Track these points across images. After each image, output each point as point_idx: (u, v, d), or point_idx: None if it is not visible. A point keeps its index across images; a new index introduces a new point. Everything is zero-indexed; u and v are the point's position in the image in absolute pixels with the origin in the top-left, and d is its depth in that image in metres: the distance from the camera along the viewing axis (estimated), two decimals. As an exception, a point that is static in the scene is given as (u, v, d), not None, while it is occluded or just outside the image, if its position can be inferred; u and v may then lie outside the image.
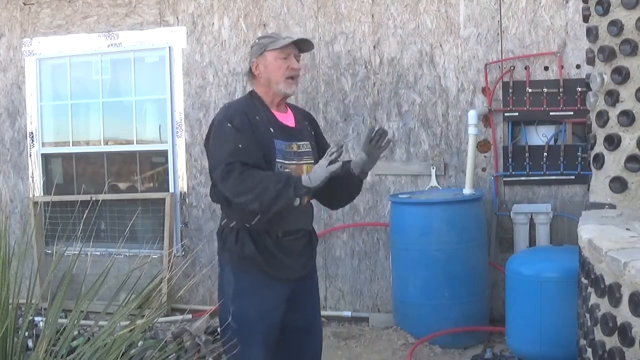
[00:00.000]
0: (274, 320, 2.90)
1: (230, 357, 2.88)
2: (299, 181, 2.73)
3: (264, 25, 5.36)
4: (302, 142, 2.95)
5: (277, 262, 2.86)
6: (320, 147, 3.07)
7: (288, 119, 2.98)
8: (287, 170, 2.84)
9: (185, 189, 5.64)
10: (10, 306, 2.35)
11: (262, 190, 2.68)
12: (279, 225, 2.85)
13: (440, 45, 5.00)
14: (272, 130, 2.86)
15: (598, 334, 2.47)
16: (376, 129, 2.87)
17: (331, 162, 2.72)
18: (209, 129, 2.94)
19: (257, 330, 2.85)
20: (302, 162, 2.91)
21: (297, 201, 2.76)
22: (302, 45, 2.96)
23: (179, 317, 5.24)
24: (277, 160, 2.82)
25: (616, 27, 3.25)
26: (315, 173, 2.74)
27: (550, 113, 4.78)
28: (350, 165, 2.92)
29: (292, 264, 2.91)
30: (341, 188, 2.97)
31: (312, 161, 2.95)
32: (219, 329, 2.98)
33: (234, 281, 2.88)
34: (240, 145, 2.75)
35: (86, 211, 4.95)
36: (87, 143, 6.06)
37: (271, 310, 2.88)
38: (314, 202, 3.06)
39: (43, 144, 6.08)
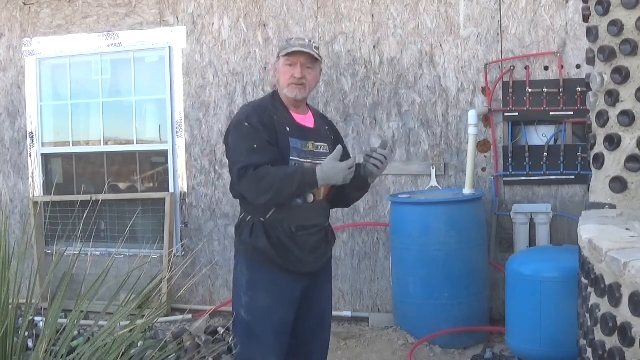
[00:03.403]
0: (285, 313, 2.93)
1: (240, 349, 2.92)
2: (313, 180, 2.80)
3: (264, 25, 5.36)
4: (320, 143, 3.01)
5: (290, 255, 2.90)
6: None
7: (307, 120, 3.04)
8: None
9: (185, 189, 5.64)
10: (10, 306, 2.35)
11: (278, 190, 2.78)
12: (293, 220, 2.90)
13: (440, 45, 5.00)
14: (289, 130, 2.93)
15: (598, 334, 2.47)
16: (376, 146, 2.97)
17: (351, 167, 2.82)
18: (228, 128, 3.04)
19: (268, 322, 2.89)
20: (318, 161, 2.94)
21: (311, 197, 2.89)
22: (314, 55, 2.99)
23: (179, 317, 5.24)
24: (291, 158, 2.89)
25: (616, 27, 3.25)
26: (337, 170, 2.80)
27: (550, 113, 4.78)
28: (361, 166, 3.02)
29: (305, 259, 2.94)
30: (348, 187, 3.01)
31: None
32: (231, 321, 3.01)
33: (247, 273, 2.94)
34: (255, 145, 2.84)
35: (86, 211, 4.94)
36: (87, 143, 6.06)
37: (283, 304, 2.92)
38: None
39: (43, 144, 6.08)
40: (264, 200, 2.82)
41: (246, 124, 2.88)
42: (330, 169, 2.79)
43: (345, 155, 3.12)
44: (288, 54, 2.94)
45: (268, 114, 2.92)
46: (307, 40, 3.04)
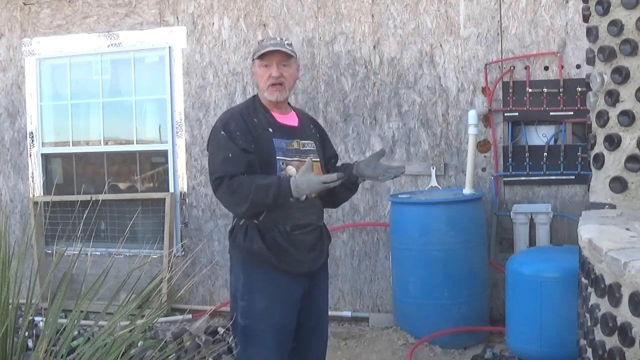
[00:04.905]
0: (285, 314, 2.90)
1: (240, 353, 2.90)
2: (287, 191, 2.78)
3: (264, 25, 5.36)
4: (305, 141, 3.00)
5: (286, 256, 2.88)
6: (325, 149, 3.14)
7: (289, 119, 3.04)
8: (289, 166, 2.89)
9: (185, 189, 5.64)
10: (10, 306, 2.35)
11: (253, 202, 2.77)
12: (287, 220, 2.88)
13: (440, 45, 5.00)
14: (271, 131, 2.92)
15: (598, 334, 2.47)
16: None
17: (325, 182, 2.81)
18: (209, 135, 3.04)
19: (266, 324, 2.86)
20: (306, 158, 2.92)
21: (303, 195, 2.84)
22: (288, 52, 2.97)
23: (179, 317, 5.24)
24: (277, 158, 2.88)
25: (616, 27, 3.25)
26: (309, 184, 2.79)
27: (550, 113, 4.79)
28: (354, 167, 3.02)
29: (302, 259, 2.92)
30: (339, 187, 3.00)
31: (318, 159, 3.01)
32: (230, 326, 2.99)
33: (243, 277, 2.91)
34: (230, 155, 2.83)
35: (86, 211, 4.95)
36: (87, 143, 6.06)
37: (282, 305, 2.89)
38: None
39: (43, 144, 6.08)
40: (240, 211, 2.83)
41: (222, 132, 2.88)
42: (303, 183, 2.78)
43: (329, 151, 3.17)
44: (262, 56, 2.94)
45: (248, 118, 2.92)
46: (278, 39, 3.04)
